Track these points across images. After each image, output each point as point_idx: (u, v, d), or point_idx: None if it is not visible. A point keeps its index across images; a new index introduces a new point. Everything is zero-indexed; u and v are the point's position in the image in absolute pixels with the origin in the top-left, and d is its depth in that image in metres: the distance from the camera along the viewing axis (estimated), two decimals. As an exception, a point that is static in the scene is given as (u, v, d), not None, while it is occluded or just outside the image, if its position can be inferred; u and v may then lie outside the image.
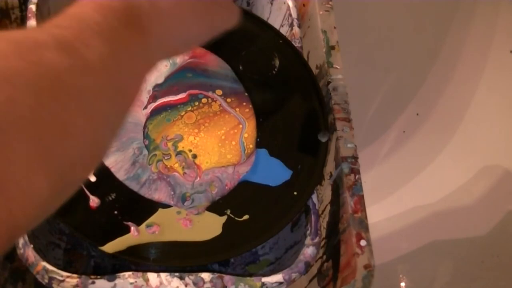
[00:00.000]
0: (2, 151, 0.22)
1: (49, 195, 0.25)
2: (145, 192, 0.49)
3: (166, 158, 0.51)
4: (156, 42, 0.33)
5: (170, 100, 0.53)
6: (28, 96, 0.24)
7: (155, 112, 0.53)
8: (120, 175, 0.49)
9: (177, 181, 0.50)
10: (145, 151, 0.51)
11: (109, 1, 0.31)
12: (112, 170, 0.49)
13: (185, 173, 0.51)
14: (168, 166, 0.51)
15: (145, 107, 0.53)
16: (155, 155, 0.51)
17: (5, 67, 0.24)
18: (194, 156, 0.51)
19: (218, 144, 0.52)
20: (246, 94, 0.55)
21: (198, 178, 0.51)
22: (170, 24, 0.34)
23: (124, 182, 0.49)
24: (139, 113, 0.53)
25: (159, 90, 0.54)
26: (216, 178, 0.51)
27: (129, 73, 0.31)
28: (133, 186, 0.49)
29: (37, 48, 0.26)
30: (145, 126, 0.52)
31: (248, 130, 0.53)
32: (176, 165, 0.51)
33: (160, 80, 0.54)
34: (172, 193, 0.49)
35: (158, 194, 0.49)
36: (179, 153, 0.51)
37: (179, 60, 0.55)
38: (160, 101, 0.53)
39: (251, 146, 0.53)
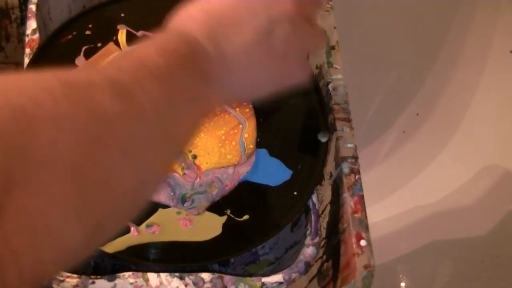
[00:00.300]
0: (39, 194, 0.22)
1: (81, 243, 0.24)
2: None
3: None
4: (217, 91, 0.33)
5: None
6: (72, 142, 0.23)
7: None
8: None
9: (176, 182, 0.50)
10: None
11: (174, 45, 0.31)
12: None
13: (184, 173, 0.50)
14: None
15: None
16: None
17: (54, 110, 0.23)
18: (194, 157, 0.51)
19: (218, 144, 0.52)
20: (246, 94, 0.54)
21: (198, 179, 0.50)
22: (235, 75, 0.34)
23: None
24: None
25: None
26: (216, 179, 0.50)
27: (184, 122, 0.30)
28: None
29: (89, 90, 0.25)
30: None
31: (249, 130, 0.53)
32: (176, 165, 0.51)
33: None
34: (172, 194, 0.49)
35: (158, 195, 0.49)
36: None
37: None
38: None
39: (251, 146, 0.52)
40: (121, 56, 0.30)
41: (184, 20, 0.33)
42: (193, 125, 0.32)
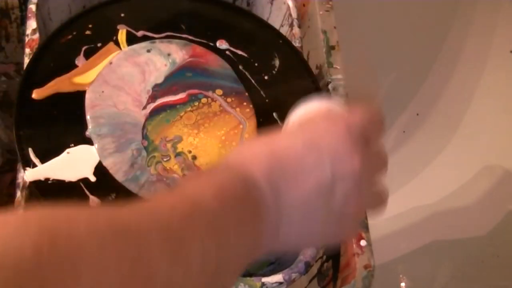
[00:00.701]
0: None
1: None
2: (144, 194, 0.48)
3: (165, 159, 0.50)
4: (268, 241, 0.31)
5: (169, 100, 0.53)
6: None
7: (154, 113, 0.52)
8: (119, 176, 0.48)
9: (176, 183, 0.49)
10: (144, 153, 0.50)
11: (233, 189, 0.30)
12: (111, 171, 0.48)
13: (184, 174, 0.50)
14: (168, 168, 0.50)
15: (144, 107, 0.52)
16: (154, 156, 0.50)
17: (100, 257, 0.23)
18: (194, 158, 0.51)
19: (218, 145, 0.52)
20: (247, 94, 0.54)
21: None
22: (288, 226, 0.32)
23: (123, 183, 0.48)
24: (138, 113, 0.52)
25: (158, 90, 0.53)
26: None
27: (229, 271, 0.29)
28: (132, 187, 0.48)
29: (137, 238, 0.25)
30: (144, 127, 0.51)
31: (249, 131, 0.53)
32: (176, 166, 0.50)
33: (160, 80, 0.53)
34: None
35: None
36: (178, 154, 0.51)
37: (179, 59, 0.55)
38: (159, 101, 0.52)
39: None
40: (175, 191, 0.29)
41: (247, 160, 0.32)
42: (237, 273, 0.31)
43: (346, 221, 0.35)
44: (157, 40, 0.55)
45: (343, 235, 0.37)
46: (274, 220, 0.31)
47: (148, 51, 0.54)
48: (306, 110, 0.38)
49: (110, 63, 0.52)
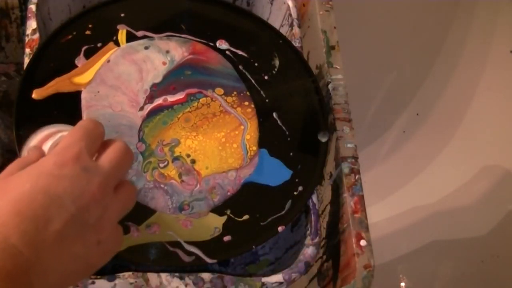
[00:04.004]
0: None
1: None
2: (141, 200, 0.48)
3: (162, 165, 0.49)
4: None
5: (167, 101, 0.52)
6: None
7: (151, 114, 0.51)
8: None
9: (174, 190, 0.49)
10: (140, 158, 0.49)
11: (4, 263, 0.31)
12: None
13: (183, 181, 0.49)
14: (165, 174, 0.49)
15: (141, 108, 0.51)
16: (150, 162, 0.49)
17: None
18: (193, 162, 0.50)
19: (218, 147, 0.51)
20: (248, 93, 0.54)
21: (198, 186, 0.49)
22: (53, 277, 0.34)
23: None
24: (135, 115, 0.50)
25: (156, 90, 0.52)
26: (217, 185, 0.49)
27: None
28: None
29: None
30: (140, 129, 0.50)
31: (250, 131, 0.52)
32: (173, 172, 0.49)
33: (158, 79, 0.52)
34: (170, 202, 0.48)
35: (155, 203, 0.48)
36: (176, 158, 0.50)
37: (178, 56, 0.54)
38: (156, 102, 0.51)
39: (254, 148, 0.52)
40: None
41: None
42: None
43: (104, 239, 0.37)
44: (156, 37, 0.54)
45: (108, 255, 0.39)
46: (39, 275, 0.33)
47: (146, 48, 0.53)
48: (36, 139, 0.42)
49: (108, 61, 0.52)
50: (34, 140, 0.42)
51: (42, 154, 0.39)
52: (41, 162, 0.36)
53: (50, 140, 0.41)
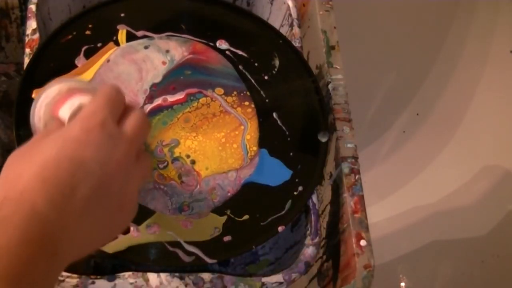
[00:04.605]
0: None
1: None
2: (141, 201, 0.47)
3: (162, 166, 0.49)
4: (65, 259, 0.33)
5: (167, 101, 0.52)
6: None
7: (151, 114, 0.51)
8: None
9: (174, 191, 0.49)
10: None
11: (31, 229, 0.31)
12: None
13: (183, 181, 0.49)
14: (165, 175, 0.49)
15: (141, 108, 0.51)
16: None
17: None
18: (193, 162, 0.50)
19: (218, 147, 0.51)
20: (248, 93, 0.54)
21: (198, 187, 0.49)
22: (78, 243, 0.34)
23: None
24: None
25: (156, 90, 0.52)
26: (218, 186, 0.49)
27: None
28: None
29: None
30: None
31: (251, 131, 0.52)
32: (173, 173, 0.49)
33: (158, 79, 0.52)
34: (169, 203, 0.48)
35: (155, 203, 0.48)
36: (176, 159, 0.50)
37: (178, 56, 0.54)
38: (156, 101, 0.51)
39: (254, 148, 0.52)
40: None
41: (20, 187, 0.33)
42: None
43: (126, 209, 0.37)
44: (156, 37, 0.54)
45: (122, 227, 0.39)
46: (65, 239, 0.33)
47: (146, 47, 0.53)
48: (48, 97, 0.40)
49: (108, 60, 0.52)
50: (46, 97, 0.41)
51: (62, 124, 0.39)
52: (67, 128, 0.36)
53: (67, 105, 0.40)
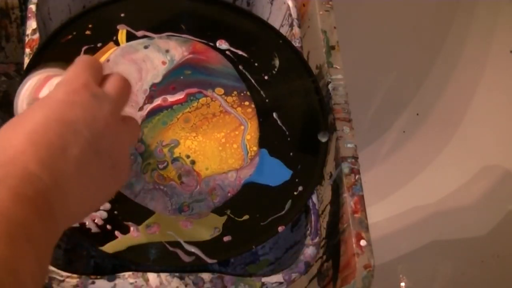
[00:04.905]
0: None
1: None
2: (140, 201, 0.48)
3: (161, 166, 0.49)
4: (62, 221, 0.34)
5: (167, 101, 0.52)
6: None
7: (150, 114, 0.51)
8: None
9: (174, 191, 0.49)
10: (139, 159, 0.49)
11: (24, 190, 0.31)
12: None
13: (182, 182, 0.49)
14: (165, 175, 0.49)
15: (141, 109, 0.51)
16: (149, 163, 0.49)
17: None
18: (193, 162, 0.50)
19: (218, 148, 0.51)
20: (249, 93, 0.54)
21: (198, 187, 0.49)
22: (73, 199, 0.34)
23: (119, 189, 0.48)
24: (134, 115, 0.50)
25: (156, 90, 0.52)
26: (218, 186, 0.49)
27: (44, 260, 0.32)
28: (128, 193, 0.48)
29: None
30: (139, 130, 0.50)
31: (251, 131, 0.52)
32: (173, 173, 0.49)
33: (158, 79, 0.52)
34: (169, 204, 0.48)
35: (154, 204, 0.48)
36: (175, 159, 0.50)
37: (178, 56, 0.54)
38: (156, 101, 0.51)
39: (254, 148, 0.52)
40: None
41: (11, 152, 0.33)
42: (48, 257, 0.33)
43: (118, 167, 0.38)
44: (155, 37, 0.54)
45: (121, 180, 0.40)
46: (60, 201, 0.33)
47: (146, 47, 0.53)
48: (30, 86, 0.41)
49: (108, 60, 0.52)
50: (27, 89, 0.42)
51: None
52: (51, 94, 0.36)
53: (46, 87, 0.41)
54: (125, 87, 0.40)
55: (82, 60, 0.39)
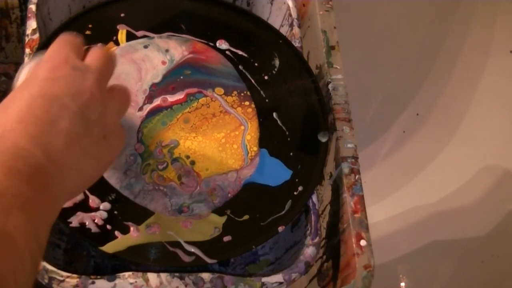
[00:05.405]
0: None
1: None
2: (140, 201, 0.48)
3: (161, 167, 0.49)
4: (59, 195, 0.34)
5: (167, 101, 0.52)
6: None
7: (150, 114, 0.51)
8: (113, 182, 0.48)
9: (174, 192, 0.48)
10: (139, 159, 0.49)
11: (15, 164, 0.32)
12: (105, 176, 0.48)
13: (182, 183, 0.49)
14: (164, 176, 0.49)
15: (140, 109, 0.51)
16: (149, 164, 0.49)
17: None
18: (192, 163, 0.50)
19: (218, 148, 0.51)
20: (249, 93, 0.54)
21: (198, 188, 0.49)
22: (68, 172, 0.35)
23: (119, 190, 0.48)
24: (134, 115, 0.50)
25: (156, 90, 0.52)
26: (218, 187, 0.49)
27: (41, 234, 0.32)
28: (128, 194, 0.48)
29: None
30: (139, 130, 0.50)
31: (251, 132, 0.52)
32: (172, 174, 0.49)
33: (157, 79, 0.52)
34: (169, 204, 0.48)
35: (154, 205, 0.48)
36: (175, 160, 0.50)
37: (178, 55, 0.54)
38: (155, 102, 0.51)
39: (255, 148, 0.52)
40: None
41: (0, 131, 0.34)
42: (47, 231, 0.33)
43: (110, 137, 0.38)
44: (155, 37, 0.54)
45: (115, 151, 0.40)
46: (54, 175, 0.34)
47: (146, 47, 0.53)
48: (27, 71, 0.41)
49: None
50: (25, 74, 0.42)
51: None
52: (34, 72, 0.37)
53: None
54: (106, 58, 0.40)
55: (61, 38, 0.39)
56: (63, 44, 0.38)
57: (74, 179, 0.36)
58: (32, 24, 0.54)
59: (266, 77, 0.55)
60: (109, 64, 0.40)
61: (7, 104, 0.35)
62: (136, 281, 0.45)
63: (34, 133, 0.33)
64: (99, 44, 0.41)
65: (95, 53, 0.40)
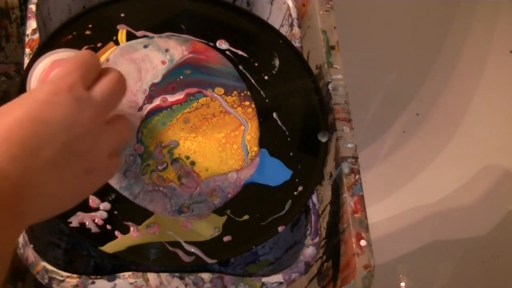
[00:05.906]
0: None
1: None
2: (140, 202, 0.47)
3: (161, 168, 0.49)
4: (28, 217, 0.34)
5: (166, 101, 0.52)
6: None
7: (150, 115, 0.50)
8: (113, 183, 0.48)
9: (174, 193, 0.48)
10: (139, 160, 0.49)
11: None
12: None
13: (182, 183, 0.49)
14: (164, 177, 0.49)
15: (140, 109, 0.51)
16: (149, 164, 0.49)
17: None
18: (192, 163, 0.50)
19: (218, 148, 0.51)
20: (249, 93, 0.54)
21: (198, 188, 0.49)
22: (42, 202, 0.35)
23: (119, 190, 0.48)
24: (133, 115, 0.50)
25: (156, 90, 0.52)
26: (218, 187, 0.49)
27: (4, 252, 0.32)
28: (127, 195, 0.48)
29: None
30: (139, 130, 0.50)
31: (251, 132, 0.52)
32: (172, 175, 0.49)
33: (157, 79, 0.52)
34: (169, 205, 0.48)
35: (154, 205, 0.48)
36: (175, 160, 0.49)
37: (178, 55, 0.54)
38: (155, 102, 0.51)
39: (255, 148, 0.51)
40: None
41: None
42: (10, 251, 0.33)
43: (97, 171, 0.38)
44: (155, 36, 0.54)
45: (96, 184, 0.40)
46: (29, 200, 0.34)
47: (145, 46, 0.53)
48: (35, 78, 0.42)
49: (107, 60, 0.52)
50: (38, 72, 0.42)
51: None
52: (35, 90, 0.36)
53: (56, 72, 0.41)
54: (117, 89, 0.39)
55: (78, 58, 0.38)
56: (76, 66, 0.37)
57: (47, 205, 0.35)
58: (32, 24, 0.54)
59: (266, 77, 0.55)
60: (116, 96, 0.39)
61: (1, 114, 0.35)
62: (136, 281, 0.45)
63: (17, 155, 0.33)
64: (119, 71, 0.40)
65: (107, 82, 0.39)
